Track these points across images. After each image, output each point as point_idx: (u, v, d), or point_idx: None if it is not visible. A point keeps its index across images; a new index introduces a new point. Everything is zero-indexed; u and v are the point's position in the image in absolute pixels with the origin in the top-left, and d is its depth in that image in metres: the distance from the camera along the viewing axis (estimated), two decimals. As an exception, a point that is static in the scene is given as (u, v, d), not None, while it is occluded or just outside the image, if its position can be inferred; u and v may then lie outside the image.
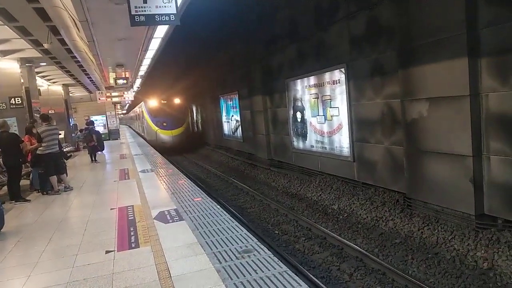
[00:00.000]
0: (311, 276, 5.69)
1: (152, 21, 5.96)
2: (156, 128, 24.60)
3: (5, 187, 8.65)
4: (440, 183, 6.76)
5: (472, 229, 6.15)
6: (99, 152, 15.61)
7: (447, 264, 5.73)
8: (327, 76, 10.19)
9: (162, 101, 25.89)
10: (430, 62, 6.68)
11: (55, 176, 8.51)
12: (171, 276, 3.62)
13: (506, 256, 5.34)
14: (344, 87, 9.44)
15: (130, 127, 54.83)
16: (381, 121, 8.40)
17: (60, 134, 11.09)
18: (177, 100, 26.38)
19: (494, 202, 6.00)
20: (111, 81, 19.25)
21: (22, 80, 12.06)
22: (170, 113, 25.39)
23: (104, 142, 17.33)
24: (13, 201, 7.73)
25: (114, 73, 17.97)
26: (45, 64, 14.00)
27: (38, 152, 8.29)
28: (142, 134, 30.24)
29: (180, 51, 18.75)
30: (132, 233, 5.07)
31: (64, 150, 12.13)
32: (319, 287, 5.44)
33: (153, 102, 25.98)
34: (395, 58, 7.63)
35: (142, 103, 28.00)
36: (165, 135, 24.31)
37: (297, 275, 3.48)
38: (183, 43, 16.15)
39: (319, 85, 10.63)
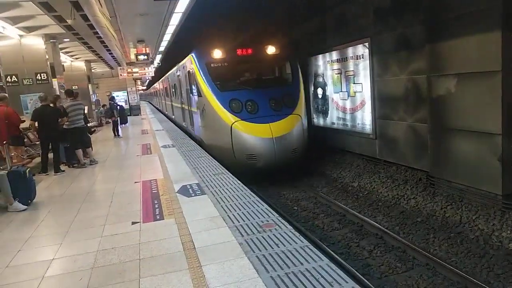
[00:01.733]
0: (328, 250, 5.74)
1: (173, -6, 5.83)
2: (231, 116, 9.38)
3: (35, 160, 9.02)
4: (466, 161, 6.59)
5: (498, 209, 6.01)
6: (123, 125, 15.96)
7: (470, 244, 5.65)
8: (350, 51, 9.92)
9: (243, 51, 10.31)
10: (460, 36, 6.38)
11: (80, 150, 8.78)
12: (195, 247, 3.73)
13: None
14: (367, 62, 9.18)
15: (152, 104, 46.91)
16: (405, 98, 8.17)
17: (84, 109, 11.34)
18: (273, 49, 10.45)
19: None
20: (132, 57, 19.36)
21: (47, 56, 12.27)
22: (266, 81, 10.79)
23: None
24: (56, 172, 8.24)
25: (135, 49, 18.04)
26: (68, 40, 14.20)
27: (64, 126, 8.53)
28: (183, 124, 15.14)
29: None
30: (156, 206, 5.21)
31: (89, 125, 12.43)
32: (338, 262, 5.49)
33: (221, 53, 10.17)
34: (423, 32, 7.33)
35: (186, 62, 12.14)
36: (258, 137, 9.07)
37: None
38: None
39: (342, 60, 10.37)
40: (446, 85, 6.80)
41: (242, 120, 9.06)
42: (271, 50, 10.26)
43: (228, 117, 9.17)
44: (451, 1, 6.47)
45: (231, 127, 8.99)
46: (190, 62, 11.15)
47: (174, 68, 15.93)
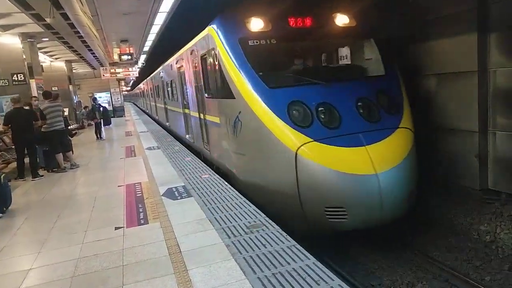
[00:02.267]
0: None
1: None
2: (294, 134, 5.12)
3: (11, 165, 8.71)
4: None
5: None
6: (106, 126, 15.64)
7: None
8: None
9: (301, 21, 6.07)
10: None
11: (61, 153, 8.51)
12: (181, 251, 3.62)
13: (508, 229, 5.28)
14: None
15: (137, 105, 43.82)
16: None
17: (65, 111, 11.04)
18: (352, 18, 6.32)
19: (498, 177, 5.85)
20: (115, 57, 19.03)
21: (24, 56, 11.91)
22: (344, 71, 6.78)
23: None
24: (34, 178, 7.92)
25: (119, 49, 17.73)
26: (47, 39, 13.81)
27: (42, 129, 8.25)
28: (186, 136, 11.03)
29: None
30: (140, 210, 5.07)
31: (69, 127, 12.12)
32: (326, 261, 5.44)
33: (267, 23, 5.94)
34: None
35: (197, 43, 7.75)
36: (348, 174, 4.80)
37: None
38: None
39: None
40: None
41: (315, 140, 5.00)
42: (346, 19, 6.24)
43: (288, 135, 5.11)
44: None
45: (296, 153, 4.96)
46: (207, 41, 6.74)
47: (171, 59, 11.69)
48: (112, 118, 20.43)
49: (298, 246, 3.49)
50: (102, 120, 15.26)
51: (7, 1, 8.47)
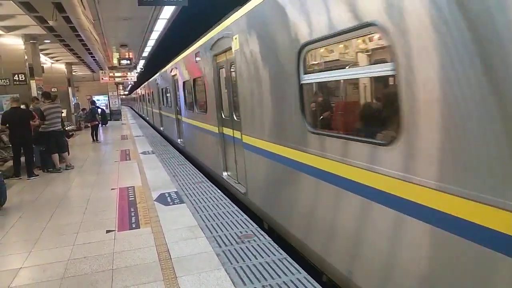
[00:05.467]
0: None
1: (159, 1, 5.87)
2: None
3: (7, 163, 8.71)
4: None
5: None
6: (104, 126, 15.69)
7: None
8: None
9: None
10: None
11: (56, 154, 8.53)
12: (171, 258, 3.64)
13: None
14: None
15: (134, 110, 42.09)
16: None
17: (63, 112, 11.07)
18: None
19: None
20: (115, 61, 19.15)
21: (26, 57, 11.98)
22: None
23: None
24: (29, 177, 7.91)
25: (118, 53, 17.85)
26: (49, 41, 13.91)
27: (40, 129, 8.28)
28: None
29: None
30: (132, 214, 5.08)
31: (66, 128, 12.14)
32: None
33: None
34: None
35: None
36: None
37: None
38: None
39: None
40: None
41: None
42: None
43: None
44: None
45: None
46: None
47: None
48: (109, 121, 20.62)
49: (290, 259, 3.50)
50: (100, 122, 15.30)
51: (11, 3, 8.57)
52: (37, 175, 8.07)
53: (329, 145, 3.13)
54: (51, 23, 9.65)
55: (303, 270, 3.28)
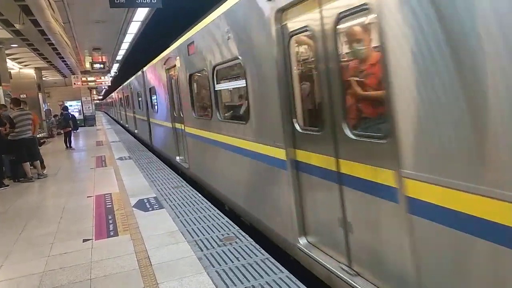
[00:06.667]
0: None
1: (132, 3, 5.76)
2: None
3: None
4: None
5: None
6: (74, 131, 15.42)
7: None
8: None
9: None
10: None
11: (27, 162, 8.22)
12: (151, 264, 3.57)
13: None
14: None
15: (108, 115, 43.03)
16: None
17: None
18: None
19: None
20: (87, 65, 18.68)
21: (-9, 62, 11.51)
22: None
23: (80, 128, 16.98)
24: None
25: (91, 57, 17.43)
26: (16, 45, 13.41)
27: (10, 137, 7.96)
28: None
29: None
30: (110, 221, 4.95)
31: (38, 136, 11.73)
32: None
33: None
34: None
35: None
36: None
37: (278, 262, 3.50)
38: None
39: None
40: None
41: None
42: None
43: None
44: None
45: None
46: None
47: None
48: (82, 127, 20.13)
49: (272, 259, 3.51)
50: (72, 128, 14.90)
51: (-27, 5, 8.21)
52: (7, 185, 7.75)
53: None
54: (18, 26, 9.30)
55: (285, 269, 3.29)
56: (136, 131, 16.51)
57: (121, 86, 21.64)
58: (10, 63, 16.06)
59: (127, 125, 20.43)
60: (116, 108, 29.29)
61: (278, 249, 3.94)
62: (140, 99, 13.58)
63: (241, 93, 5.10)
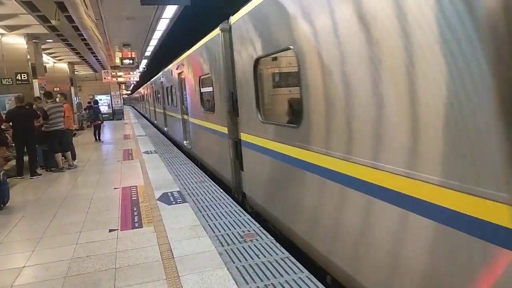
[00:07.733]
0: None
1: (162, 0, 5.86)
2: None
3: (10, 162, 8.74)
4: None
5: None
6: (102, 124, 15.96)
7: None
8: None
9: None
10: None
11: (59, 153, 8.55)
12: (173, 257, 3.65)
13: None
14: None
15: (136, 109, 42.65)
16: None
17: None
18: None
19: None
20: (117, 61, 19.17)
21: (28, 56, 12.01)
22: None
23: (108, 121, 17.43)
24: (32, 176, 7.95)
25: (120, 53, 17.87)
26: (51, 41, 13.94)
27: (43, 129, 8.30)
28: None
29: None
30: (135, 213, 5.09)
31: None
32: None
33: None
34: None
35: None
36: None
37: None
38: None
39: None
40: None
41: None
42: None
43: None
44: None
45: None
46: None
47: None
48: (111, 121, 20.64)
49: (292, 258, 3.49)
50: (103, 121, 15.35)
51: (14, 2, 8.59)
52: (40, 174, 8.09)
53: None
54: (53, 22, 9.67)
55: (305, 269, 3.27)
56: (166, 128, 14.97)
57: (148, 82, 21.37)
58: (45, 57, 16.72)
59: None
60: (143, 103, 29.34)
61: (298, 249, 3.94)
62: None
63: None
